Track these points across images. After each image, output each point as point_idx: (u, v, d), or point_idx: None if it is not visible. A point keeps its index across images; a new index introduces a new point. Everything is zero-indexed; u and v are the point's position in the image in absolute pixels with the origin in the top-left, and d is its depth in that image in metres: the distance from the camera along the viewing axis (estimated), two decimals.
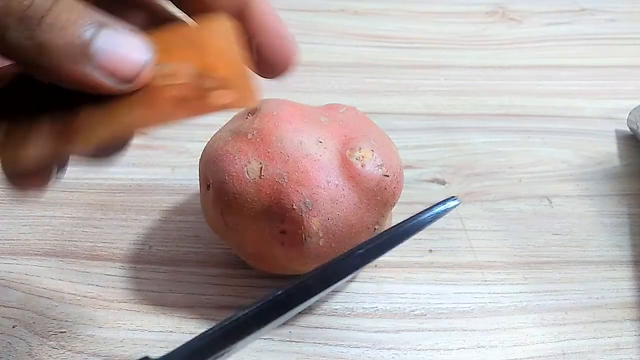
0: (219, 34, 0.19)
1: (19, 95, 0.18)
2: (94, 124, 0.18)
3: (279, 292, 0.17)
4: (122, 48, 0.17)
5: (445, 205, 0.19)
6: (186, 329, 0.29)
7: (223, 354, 0.16)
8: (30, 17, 0.15)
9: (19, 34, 0.15)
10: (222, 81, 0.18)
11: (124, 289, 0.30)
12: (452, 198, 0.20)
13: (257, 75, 0.20)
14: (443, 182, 0.37)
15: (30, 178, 0.18)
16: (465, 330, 0.29)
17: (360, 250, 0.18)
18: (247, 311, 0.16)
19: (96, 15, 0.16)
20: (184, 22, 0.20)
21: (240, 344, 0.16)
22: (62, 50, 0.16)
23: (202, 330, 0.29)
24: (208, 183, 0.27)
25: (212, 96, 0.18)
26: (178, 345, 0.28)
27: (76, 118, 0.18)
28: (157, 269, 0.31)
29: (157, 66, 0.18)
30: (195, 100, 0.18)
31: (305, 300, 0.17)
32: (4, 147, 0.17)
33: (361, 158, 0.26)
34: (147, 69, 0.17)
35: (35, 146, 0.17)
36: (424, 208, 0.20)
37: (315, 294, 0.17)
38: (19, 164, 0.17)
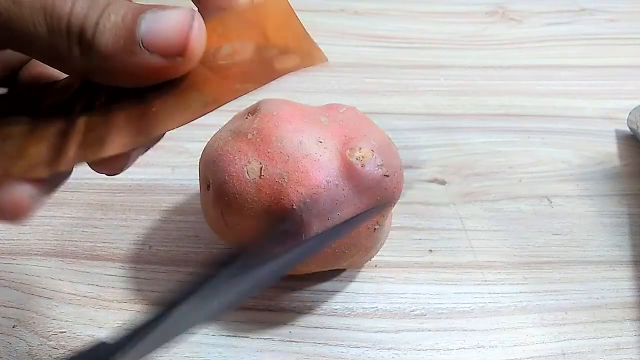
0: (275, 11, 0.20)
1: (89, 94, 0.19)
2: (169, 110, 0.18)
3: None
4: (165, 23, 0.17)
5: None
6: None
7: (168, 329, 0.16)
8: (86, 29, 0.16)
9: (80, 48, 0.16)
10: (285, 47, 0.19)
11: (124, 289, 0.30)
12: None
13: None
14: (443, 182, 0.37)
15: (113, 164, 0.19)
16: (465, 330, 0.29)
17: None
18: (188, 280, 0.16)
19: (132, 5, 0.17)
20: (237, 5, 0.20)
21: (183, 316, 0.16)
22: (116, 48, 0.16)
23: (202, 330, 0.29)
24: (208, 183, 0.27)
25: (277, 62, 0.18)
26: (178, 344, 0.28)
27: (150, 108, 0.18)
28: (157, 269, 0.31)
29: (217, 49, 0.19)
30: (261, 71, 0.18)
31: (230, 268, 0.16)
32: (85, 143, 0.18)
33: (361, 158, 0.26)
34: (196, 34, 0.17)
35: (117, 137, 0.18)
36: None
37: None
38: (103, 154, 0.17)
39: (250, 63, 0.18)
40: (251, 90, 0.18)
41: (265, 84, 0.18)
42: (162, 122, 0.18)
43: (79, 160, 0.18)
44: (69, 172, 0.19)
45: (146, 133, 0.18)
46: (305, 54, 0.19)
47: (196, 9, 0.20)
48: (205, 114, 0.18)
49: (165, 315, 0.15)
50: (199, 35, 0.17)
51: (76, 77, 0.18)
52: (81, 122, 0.18)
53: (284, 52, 0.18)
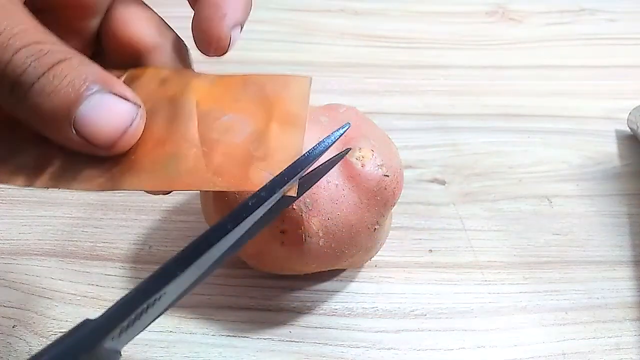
0: (294, 96, 0.19)
1: None
2: (142, 169, 0.18)
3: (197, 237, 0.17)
4: (104, 116, 0.17)
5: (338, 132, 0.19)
6: (186, 329, 0.29)
7: (154, 302, 0.16)
8: (21, 84, 0.16)
9: (12, 99, 0.16)
10: (270, 153, 0.18)
11: (124, 289, 0.30)
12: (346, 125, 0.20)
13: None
14: (443, 182, 0.37)
15: None
16: (465, 330, 0.29)
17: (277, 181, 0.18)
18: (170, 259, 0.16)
19: (90, 76, 0.17)
20: (262, 75, 0.20)
21: (169, 290, 0.16)
22: (48, 116, 0.16)
23: (202, 331, 0.29)
24: None
25: (253, 171, 0.18)
26: (178, 344, 0.28)
27: (128, 157, 0.18)
28: None
29: (220, 116, 0.19)
30: (235, 173, 0.18)
31: (219, 239, 0.16)
32: (61, 170, 0.18)
33: (361, 158, 0.26)
34: (130, 135, 0.18)
35: (90, 176, 0.18)
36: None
37: (229, 231, 0.16)
38: (74, 187, 0.18)
39: (233, 152, 0.18)
40: (217, 188, 0.18)
41: (231, 189, 0.18)
42: (131, 181, 0.18)
43: (51, 186, 0.18)
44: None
45: (115, 184, 0.18)
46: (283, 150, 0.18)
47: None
48: (168, 192, 0.19)
49: (150, 294, 0.15)
50: (132, 136, 0.18)
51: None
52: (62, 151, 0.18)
53: (266, 157, 0.18)
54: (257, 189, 0.17)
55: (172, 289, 0.16)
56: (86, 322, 0.15)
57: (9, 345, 0.28)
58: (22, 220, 0.34)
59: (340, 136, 0.19)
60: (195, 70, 0.21)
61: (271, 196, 0.17)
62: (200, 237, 0.16)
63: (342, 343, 0.28)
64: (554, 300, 0.31)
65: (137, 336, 0.29)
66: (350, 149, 0.19)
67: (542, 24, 0.52)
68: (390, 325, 0.29)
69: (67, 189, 0.18)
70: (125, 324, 0.15)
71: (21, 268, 0.31)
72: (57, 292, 0.30)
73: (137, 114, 0.18)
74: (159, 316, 0.17)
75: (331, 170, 0.26)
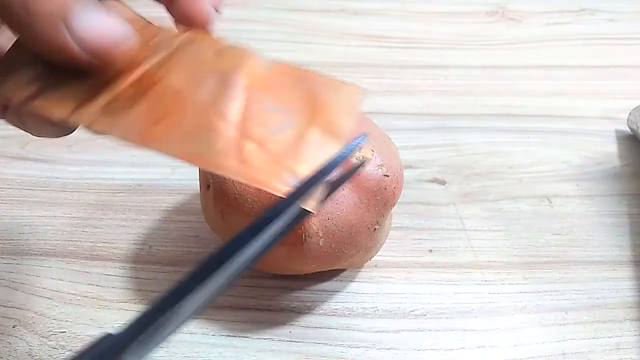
0: (343, 105, 0.19)
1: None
2: (174, 135, 0.18)
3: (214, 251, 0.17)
4: (100, 24, 0.17)
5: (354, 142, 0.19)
6: (186, 329, 0.29)
7: (172, 316, 0.16)
8: None
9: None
10: (302, 159, 0.18)
11: (124, 289, 0.30)
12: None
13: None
14: (443, 182, 0.37)
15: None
16: (465, 330, 0.29)
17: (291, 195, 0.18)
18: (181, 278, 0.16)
19: None
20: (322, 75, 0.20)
21: (185, 303, 0.16)
22: (46, 16, 0.16)
23: (202, 331, 0.29)
24: (208, 183, 0.27)
25: (280, 179, 0.18)
26: (178, 344, 0.28)
27: (164, 119, 0.18)
28: (157, 269, 0.31)
29: (267, 105, 0.19)
30: (265, 163, 0.18)
31: (236, 252, 0.16)
32: (105, 111, 0.18)
33: (361, 158, 0.26)
34: (122, 49, 0.18)
35: (125, 127, 0.18)
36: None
37: (246, 244, 0.16)
38: (106, 132, 0.18)
39: (267, 146, 0.18)
40: (238, 178, 0.18)
41: (249, 183, 0.18)
42: (160, 142, 0.18)
43: (86, 122, 0.18)
44: (70, 131, 0.20)
45: (146, 140, 0.18)
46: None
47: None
48: (195, 164, 0.18)
49: (168, 308, 0.15)
50: (124, 49, 0.18)
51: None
52: (112, 93, 0.18)
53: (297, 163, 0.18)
54: (277, 194, 0.17)
55: (189, 302, 0.16)
56: (106, 338, 0.15)
57: (9, 345, 0.28)
58: (22, 220, 0.34)
59: (357, 146, 0.19)
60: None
61: (289, 208, 0.17)
62: (217, 251, 0.16)
63: (342, 343, 0.28)
64: (554, 300, 0.31)
65: None
66: (366, 159, 0.19)
67: (542, 24, 0.52)
68: (390, 325, 0.29)
69: (98, 132, 0.18)
70: (143, 337, 0.15)
71: (21, 268, 0.31)
72: (57, 292, 0.30)
73: (130, 32, 0.18)
74: (176, 330, 0.17)
75: None
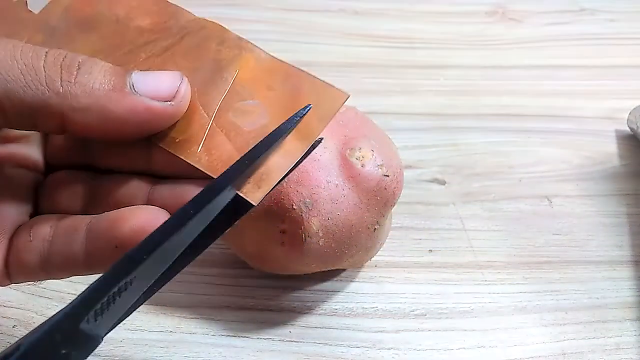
0: (321, 107, 0.19)
1: None
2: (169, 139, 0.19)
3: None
4: (154, 79, 0.18)
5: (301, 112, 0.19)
6: (186, 328, 0.29)
7: (126, 286, 0.16)
8: (68, 66, 0.17)
9: (65, 82, 0.17)
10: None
11: None
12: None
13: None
14: (443, 182, 0.37)
15: None
16: (465, 330, 0.29)
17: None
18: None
19: (121, 67, 0.18)
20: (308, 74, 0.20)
21: (139, 275, 0.16)
22: (106, 87, 0.17)
23: (202, 331, 0.29)
24: None
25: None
26: (178, 344, 0.28)
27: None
28: None
29: (246, 95, 0.19)
30: (227, 154, 0.18)
31: (180, 227, 0.16)
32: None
33: (361, 158, 0.26)
34: (184, 88, 0.18)
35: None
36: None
37: (190, 218, 0.17)
38: None
39: (234, 138, 0.18)
40: (197, 165, 0.18)
41: (204, 171, 0.18)
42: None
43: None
44: None
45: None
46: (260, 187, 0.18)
47: None
48: (164, 146, 0.19)
49: (123, 274, 0.16)
50: (186, 89, 0.18)
51: (53, 127, 0.18)
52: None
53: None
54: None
55: (142, 274, 0.16)
56: (60, 310, 0.15)
57: (9, 345, 0.28)
58: None
59: (300, 119, 0.19)
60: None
61: (219, 193, 0.17)
62: (161, 225, 0.17)
63: (342, 343, 0.28)
64: (554, 300, 0.31)
65: (138, 337, 0.29)
66: (322, 138, 0.19)
67: (542, 24, 0.52)
68: (390, 325, 0.29)
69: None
70: (98, 306, 0.15)
71: None
72: (57, 292, 0.30)
73: (182, 77, 0.18)
74: (137, 305, 0.17)
75: (331, 170, 0.26)
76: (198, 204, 0.17)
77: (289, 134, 0.18)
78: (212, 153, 0.18)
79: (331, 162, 0.26)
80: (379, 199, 0.26)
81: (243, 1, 0.51)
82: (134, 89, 0.17)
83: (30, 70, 0.16)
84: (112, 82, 0.17)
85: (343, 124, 0.28)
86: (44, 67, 0.17)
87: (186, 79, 0.19)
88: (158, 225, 0.16)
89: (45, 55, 0.17)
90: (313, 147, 0.19)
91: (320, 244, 0.26)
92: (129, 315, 0.18)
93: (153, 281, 0.17)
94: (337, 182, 0.25)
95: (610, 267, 0.32)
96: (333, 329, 0.29)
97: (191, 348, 0.28)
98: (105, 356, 0.27)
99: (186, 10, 0.21)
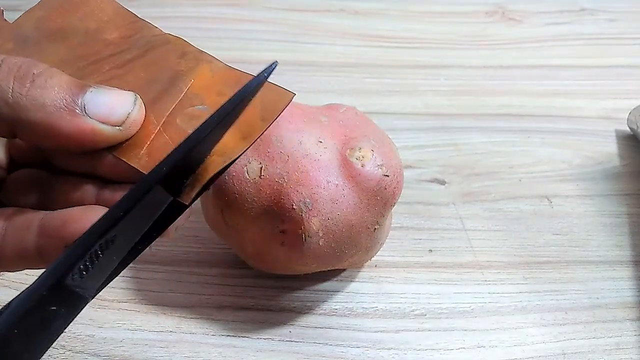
0: (266, 107, 0.19)
1: None
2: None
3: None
4: (108, 98, 0.18)
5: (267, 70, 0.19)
6: (186, 328, 0.29)
7: (107, 244, 0.16)
8: (22, 77, 0.17)
9: (16, 92, 0.17)
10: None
11: (124, 289, 0.30)
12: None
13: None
14: (443, 182, 0.37)
15: None
16: (465, 330, 0.29)
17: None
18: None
19: (79, 80, 0.18)
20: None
21: (119, 233, 0.17)
22: (56, 104, 0.17)
23: (202, 331, 0.29)
24: None
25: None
26: (178, 344, 0.28)
27: None
28: (157, 269, 0.31)
29: (197, 101, 0.19)
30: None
31: (155, 183, 0.17)
32: None
33: (361, 158, 0.26)
34: (135, 114, 0.19)
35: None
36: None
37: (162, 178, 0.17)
38: None
39: (177, 141, 0.18)
40: (137, 167, 0.19)
41: (141, 170, 0.18)
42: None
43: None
44: None
45: None
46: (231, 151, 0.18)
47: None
48: (111, 151, 0.19)
49: (104, 231, 0.16)
50: (139, 113, 0.19)
51: (3, 133, 0.18)
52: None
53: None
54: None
55: (123, 232, 0.17)
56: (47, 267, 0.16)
57: None
58: None
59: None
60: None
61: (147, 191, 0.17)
62: (138, 182, 0.17)
63: (342, 343, 0.28)
64: (554, 300, 0.31)
65: (138, 336, 0.29)
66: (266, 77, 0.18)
67: (542, 24, 0.52)
68: (390, 325, 0.29)
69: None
70: (81, 263, 0.16)
71: None
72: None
73: (136, 97, 0.19)
74: (123, 264, 0.18)
75: (331, 170, 0.26)
76: (126, 202, 0.17)
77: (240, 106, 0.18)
78: (152, 155, 0.18)
79: (331, 162, 0.26)
80: (379, 199, 0.26)
81: (243, 1, 0.51)
82: (85, 110, 0.17)
83: None
84: (64, 101, 0.17)
85: (343, 124, 0.28)
86: None
87: (140, 101, 0.19)
88: None
89: (0, 64, 0.17)
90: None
91: (320, 244, 0.26)
92: (112, 279, 0.19)
93: (136, 241, 0.18)
94: (337, 182, 0.25)
95: (610, 267, 0.32)
96: (333, 329, 0.29)
97: (191, 348, 0.28)
98: (106, 356, 0.27)
99: (154, 26, 0.22)
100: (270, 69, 0.17)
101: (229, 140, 0.18)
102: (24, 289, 0.16)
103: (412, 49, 0.48)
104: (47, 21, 0.22)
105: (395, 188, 0.27)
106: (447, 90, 0.44)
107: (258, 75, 0.17)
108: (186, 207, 0.18)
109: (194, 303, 0.30)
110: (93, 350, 0.28)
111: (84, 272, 0.16)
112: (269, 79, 0.18)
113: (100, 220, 0.16)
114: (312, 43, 0.48)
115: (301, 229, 0.25)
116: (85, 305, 0.17)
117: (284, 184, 0.25)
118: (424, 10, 0.52)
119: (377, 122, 0.30)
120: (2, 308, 0.15)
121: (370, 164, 0.26)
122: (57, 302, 0.16)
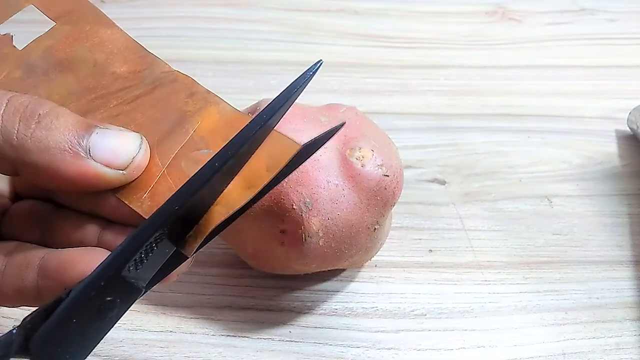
0: (271, 157, 0.19)
1: None
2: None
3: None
4: (114, 141, 0.18)
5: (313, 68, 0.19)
6: (186, 328, 0.29)
7: (161, 238, 0.17)
8: (28, 117, 0.17)
9: (21, 134, 0.17)
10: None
11: None
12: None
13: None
14: (443, 182, 0.37)
15: None
16: (465, 330, 0.29)
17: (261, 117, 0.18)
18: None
19: (86, 120, 0.18)
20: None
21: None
22: (61, 146, 0.17)
23: (202, 331, 0.29)
24: None
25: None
26: (178, 344, 0.28)
27: None
28: None
29: (202, 145, 0.19)
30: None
31: (209, 179, 0.17)
32: None
33: (361, 158, 0.26)
34: (140, 157, 0.18)
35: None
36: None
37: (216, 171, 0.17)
38: None
39: (179, 185, 0.18)
40: (139, 211, 0.18)
41: (143, 215, 0.18)
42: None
43: None
44: None
45: None
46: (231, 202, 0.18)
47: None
48: (114, 193, 0.19)
49: (158, 226, 0.16)
50: (143, 156, 0.18)
51: (6, 171, 0.18)
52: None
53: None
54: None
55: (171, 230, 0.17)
56: (105, 258, 0.16)
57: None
58: None
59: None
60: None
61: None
62: (192, 178, 0.17)
63: (342, 343, 0.29)
64: (554, 300, 0.31)
65: (138, 337, 0.29)
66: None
67: (542, 24, 0.52)
68: (390, 325, 0.29)
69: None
70: (137, 256, 0.16)
71: None
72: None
73: (142, 140, 0.19)
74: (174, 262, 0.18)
75: (331, 170, 0.26)
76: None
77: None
78: (155, 200, 0.18)
79: (331, 162, 0.26)
80: (379, 199, 0.26)
81: (243, 1, 0.51)
82: (89, 153, 0.17)
83: None
84: (69, 143, 0.17)
85: None
86: (2, 116, 0.17)
87: (145, 144, 0.19)
88: None
89: (6, 104, 0.17)
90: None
91: (320, 244, 0.26)
92: (163, 276, 0.18)
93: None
94: (337, 182, 0.25)
95: (610, 267, 0.32)
96: (333, 329, 0.29)
97: (191, 348, 0.28)
98: (106, 356, 0.27)
99: (163, 62, 0.22)
100: (314, 67, 0.19)
101: (233, 189, 0.18)
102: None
103: (412, 49, 0.48)
104: (56, 50, 0.22)
105: (395, 188, 0.27)
106: (447, 90, 0.44)
107: (288, 87, 0.18)
108: (186, 257, 0.18)
109: (194, 303, 0.30)
110: (93, 350, 0.28)
111: (140, 264, 0.16)
112: (312, 78, 0.19)
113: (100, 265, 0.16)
114: (312, 43, 0.48)
115: (301, 229, 0.25)
116: (139, 296, 0.17)
117: (284, 184, 0.25)
118: (424, 10, 0.52)
119: (377, 122, 0.30)
120: (65, 293, 0.16)
121: (370, 164, 0.26)
122: (113, 292, 0.16)
